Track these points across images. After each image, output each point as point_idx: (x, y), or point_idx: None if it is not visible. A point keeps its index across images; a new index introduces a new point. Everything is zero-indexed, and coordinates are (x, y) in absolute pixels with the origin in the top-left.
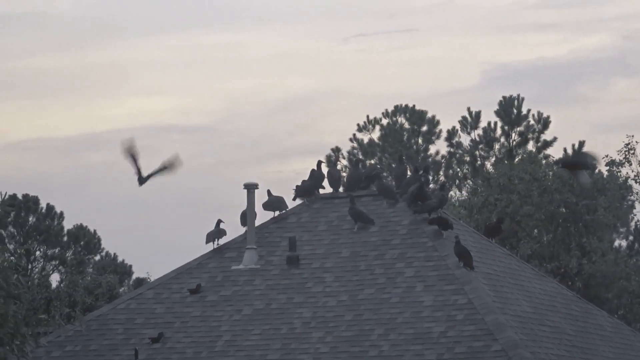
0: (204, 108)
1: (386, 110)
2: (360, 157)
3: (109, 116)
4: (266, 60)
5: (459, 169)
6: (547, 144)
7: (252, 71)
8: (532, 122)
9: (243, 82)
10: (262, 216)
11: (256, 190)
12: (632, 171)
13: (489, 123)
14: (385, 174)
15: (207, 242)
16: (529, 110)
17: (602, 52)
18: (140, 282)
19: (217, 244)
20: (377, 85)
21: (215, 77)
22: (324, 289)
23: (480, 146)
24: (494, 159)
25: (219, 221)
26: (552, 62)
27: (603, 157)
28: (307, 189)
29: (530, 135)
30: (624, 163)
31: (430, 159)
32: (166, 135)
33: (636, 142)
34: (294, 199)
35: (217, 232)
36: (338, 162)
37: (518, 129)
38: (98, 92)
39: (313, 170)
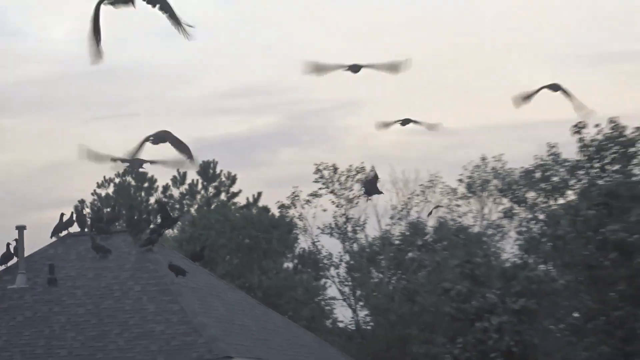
0: None
1: None
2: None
3: None
4: None
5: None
6: (234, 194)
7: None
8: (223, 179)
9: None
10: (29, 248)
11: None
12: (297, 212)
13: (193, 180)
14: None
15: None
16: (221, 171)
17: (272, 128)
18: None
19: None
20: None
21: None
22: (75, 301)
23: (187, 197)
24: (197, 206)
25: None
26: (236, 136)
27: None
28: (60, 229)
29: (222, 189)
30: (291, 206)
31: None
32: None
33: (300, 191)
34: (51, 237)
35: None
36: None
37: (213, 184)
38: None
39: (62, 213)
